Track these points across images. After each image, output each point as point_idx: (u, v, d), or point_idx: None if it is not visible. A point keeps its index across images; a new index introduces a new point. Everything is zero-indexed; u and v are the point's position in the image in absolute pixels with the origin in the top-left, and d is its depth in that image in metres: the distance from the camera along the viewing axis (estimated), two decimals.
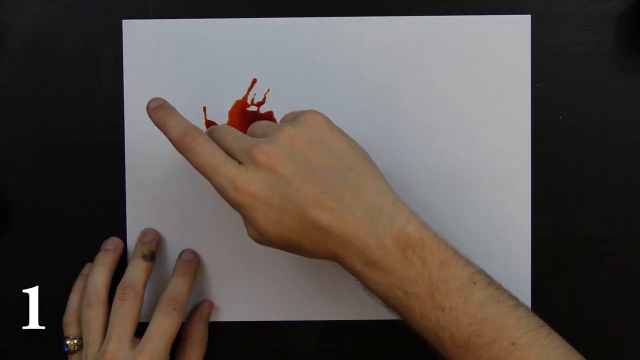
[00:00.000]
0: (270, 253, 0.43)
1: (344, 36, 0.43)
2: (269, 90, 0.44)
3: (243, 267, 0.44)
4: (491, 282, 0.35)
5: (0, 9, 0.44)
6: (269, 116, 0.44)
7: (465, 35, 0.43)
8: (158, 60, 0.44)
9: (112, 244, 0.43)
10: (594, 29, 0.44)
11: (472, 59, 0.43)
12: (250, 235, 0.36)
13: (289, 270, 0.44)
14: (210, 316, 0.44)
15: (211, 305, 0.44)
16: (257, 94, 0.44)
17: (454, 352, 0.34)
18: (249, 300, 0.44)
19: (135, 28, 0.44)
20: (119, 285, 0.41)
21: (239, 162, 0.35)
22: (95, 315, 0.40)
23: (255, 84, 0.44)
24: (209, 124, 0.44)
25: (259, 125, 0.38)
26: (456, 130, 0.44)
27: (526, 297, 0.44)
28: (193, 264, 0.43)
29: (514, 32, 0.44)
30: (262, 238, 0.35)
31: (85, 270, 0.43)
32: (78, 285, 0.43)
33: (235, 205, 0.35)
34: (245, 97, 0.44)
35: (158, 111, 0.37)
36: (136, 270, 0.42)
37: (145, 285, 0.41)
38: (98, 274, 0.42)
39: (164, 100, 0.38)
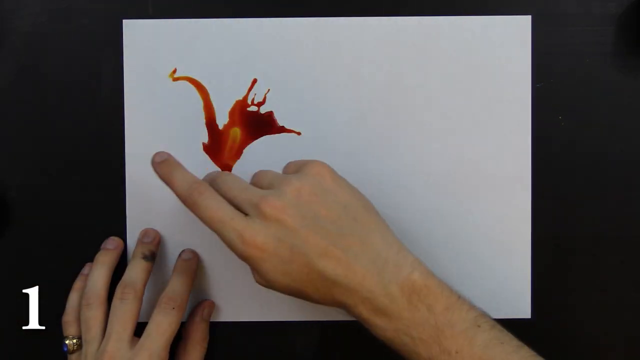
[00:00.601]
0: None
1: (344, 36, 0.43)
2: (269, 90, 0.44)
3: (243, 267, 0.44)
4: (494, 324, 0.36)
5: (0, 9, 0.44)
6: (269, 116, 0.44)
7: (465, 35, 0.43)
8: (158, 60, 0.44)
9: (112, 244, 0.43)
10: (594, 29, 0.44)
11: (472, 59, 0.43)
12: (257, 282, 0.37)
13: None
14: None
15: (212, 304, 0.44)
16: (257, 94, 0.44)
17: None
18: (249, 300, 0.44)
19: (135, 28, 0.44)
20: (118, 284, 0.41)
21: (245, 214, 0.36)
22: (94, 315, 0.40)
23: (255, 84, 0.44)
24: (209, 124, 0.44)
25: (264, 176, 0.39)
26: (456, 130, 0.44)
27: (526, 298, 0.44)
28: (192, 263, 0.43)
29: (514, 32, 0.44)
30: (269, 286, 0.37)
31: (85, 270, 0.43)
32: (78, 284, 0.43)
33: (244, 258, 0.36)
34: (246, 97, 0.44)
35: (163, 166, 0.39)
36: (136, 270, 0.42)
37: (145, 285, 0.41)
38: (98, 274, 0.42)
39: (169, 154, 0.40)
